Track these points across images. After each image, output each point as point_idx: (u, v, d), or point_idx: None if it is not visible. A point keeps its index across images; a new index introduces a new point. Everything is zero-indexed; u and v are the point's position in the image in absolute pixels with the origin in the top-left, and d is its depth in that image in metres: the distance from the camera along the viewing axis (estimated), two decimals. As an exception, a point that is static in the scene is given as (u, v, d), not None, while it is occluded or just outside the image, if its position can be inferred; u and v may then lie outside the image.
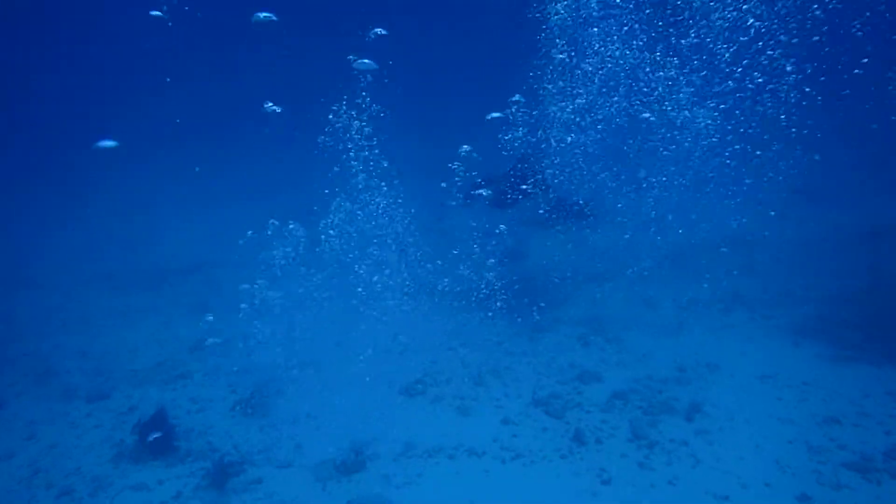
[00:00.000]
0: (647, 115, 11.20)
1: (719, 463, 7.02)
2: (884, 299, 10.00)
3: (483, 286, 13.49)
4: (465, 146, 10.62)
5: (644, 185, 12.81)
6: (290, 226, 10.52)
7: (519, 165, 11.73)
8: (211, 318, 10.94)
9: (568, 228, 12.03)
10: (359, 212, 11.14)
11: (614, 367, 9.62)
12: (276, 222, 10.51)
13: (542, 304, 11.99)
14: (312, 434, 8.19)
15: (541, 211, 11.84)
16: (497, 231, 11.77)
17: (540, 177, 11.65)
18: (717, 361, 9.39)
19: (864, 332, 9.52)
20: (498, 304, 12.35)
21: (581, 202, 11.86)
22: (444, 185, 11.56)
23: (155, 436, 7.56)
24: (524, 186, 11.70)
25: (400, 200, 10.85)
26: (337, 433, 8.11)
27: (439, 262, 13.75)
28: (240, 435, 8.21)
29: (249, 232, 10.61)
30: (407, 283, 13.51)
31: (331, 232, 11.31)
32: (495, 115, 10.32)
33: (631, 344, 10.37)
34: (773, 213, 13.17)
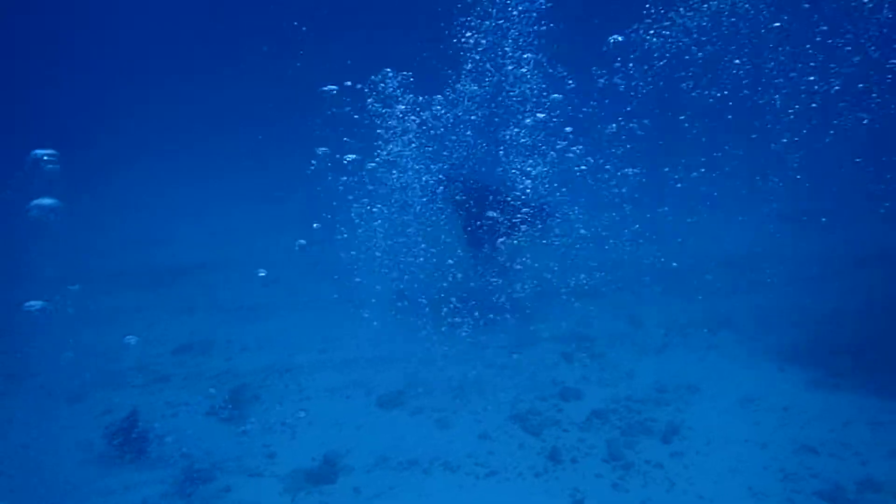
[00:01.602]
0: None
1: (693, 487, 6.94)
2: (874, 326, 9.95)
3: (467, 296, 13.44)
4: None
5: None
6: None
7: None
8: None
9: (528, 231, 11.89)
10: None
11: (596, 384, 9.54)
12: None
13: (527, 317, 11.96)
14: (287, 443, 8.12)
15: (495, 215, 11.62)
16: (483, 245, 11.73)
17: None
18: (699, 383, 9.31)
19: (852, 359, 9.45)
20: (482, 315, 12.31)
21: (539, 203, 11.65)
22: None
23: (123, 440, 7.51)
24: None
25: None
26: (312, 443, 8.06)
27: (424, 269, 13.72)
28: (213, 441, 8.13)
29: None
30: (391, 291, 13.49)
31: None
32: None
33: (614, 362, 10.29)
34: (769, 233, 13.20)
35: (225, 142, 31.06)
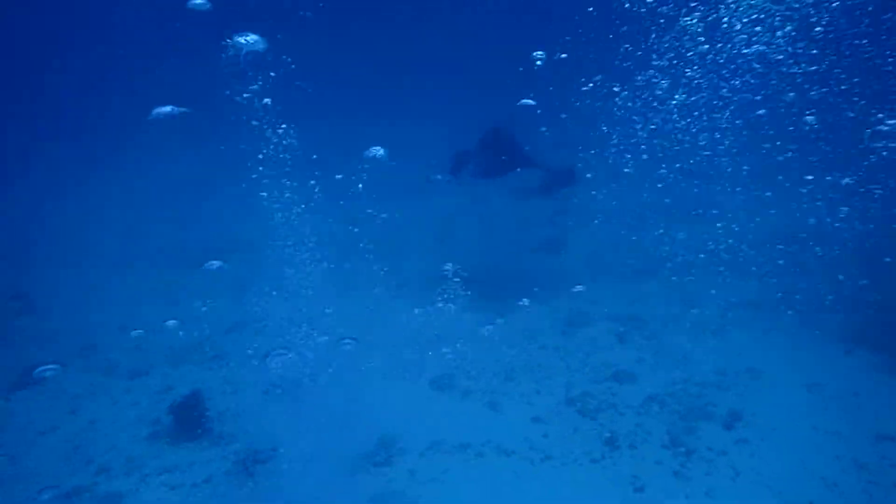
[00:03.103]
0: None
1: (760, 477, 6.70)
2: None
3: (517, 276, 13.22)
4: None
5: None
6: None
7: (491, 136, 11.34)
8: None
9: (562, 194, 11.58)
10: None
11: (651, 367, 9.30)
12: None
13: (578, 295, 11.71)
14: (341, 424, 8.19)
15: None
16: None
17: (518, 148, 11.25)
18: (761, 367, 8.98)
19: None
20: (532, 294, 12.11)
21: (568, 168, 11.36)
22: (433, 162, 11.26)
23: (187, 417, 7.73)
24: (503, 157, 11.28)
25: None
26: (365, 424, 8.11)
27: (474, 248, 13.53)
28: (270, 420, 8.28)
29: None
30: (441, 271, 13.40)
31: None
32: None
33: (670, 344, 10.01)
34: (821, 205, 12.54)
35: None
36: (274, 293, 13.15)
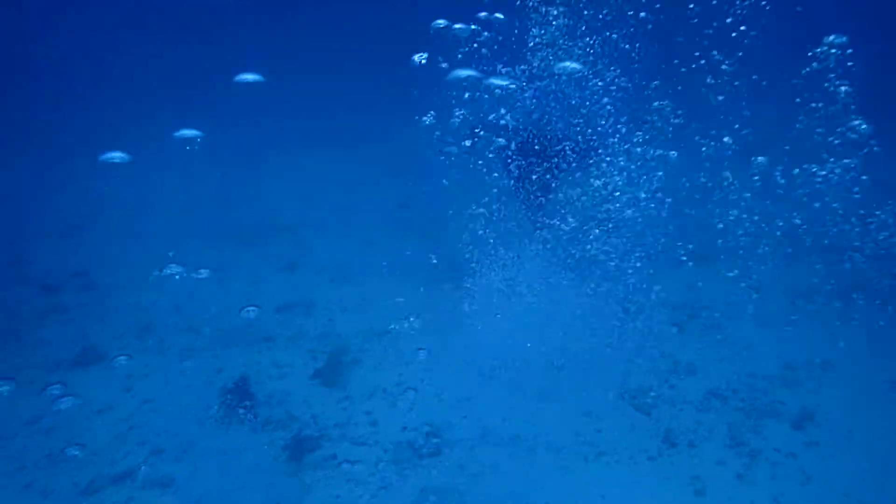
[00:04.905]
0: None
1: (833, 484, 6.24)
2: None
3: (571, 256, 12.74)
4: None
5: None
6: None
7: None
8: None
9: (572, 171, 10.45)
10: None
11: (712, 359, 8.82)
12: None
13: (633, 281, 11.21)
14: (388, 411, 8.11)
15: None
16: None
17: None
18: (834, 361, 8.37)
19: None
20: (584, 277, 11.63)
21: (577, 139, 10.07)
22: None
23: (236, 401, 7.80)
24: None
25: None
26: (412, 412, 7.99)
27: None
28: (317, 406, 8.26)
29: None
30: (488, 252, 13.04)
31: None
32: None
33: (732, 334, 9.47)
34: None
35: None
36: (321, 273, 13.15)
